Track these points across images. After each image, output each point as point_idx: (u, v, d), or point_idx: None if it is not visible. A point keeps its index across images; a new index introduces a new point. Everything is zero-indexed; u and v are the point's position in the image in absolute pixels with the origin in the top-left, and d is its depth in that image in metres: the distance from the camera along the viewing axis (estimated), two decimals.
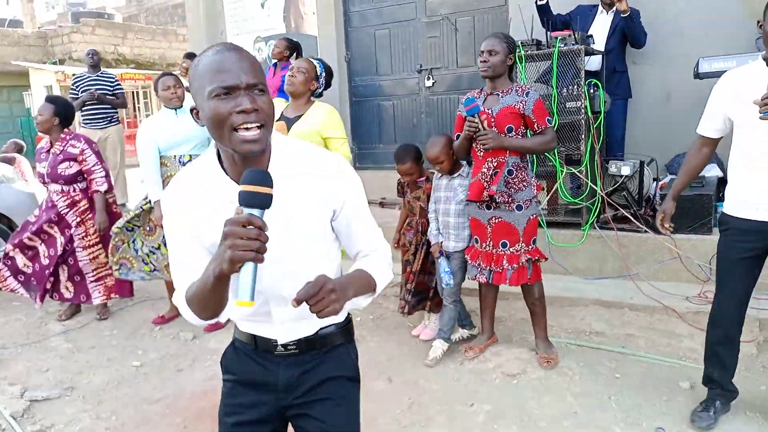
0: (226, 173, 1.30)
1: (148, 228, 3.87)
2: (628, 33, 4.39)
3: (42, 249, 4.07)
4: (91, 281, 4.11)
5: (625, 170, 3.98)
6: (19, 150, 8.48)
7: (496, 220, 3.00)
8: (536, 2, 4.48)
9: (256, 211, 1.10)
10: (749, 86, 2.21)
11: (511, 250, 2.99)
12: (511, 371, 3.06)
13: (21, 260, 4.09)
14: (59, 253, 4.02)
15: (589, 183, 3.96)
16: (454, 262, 3.22)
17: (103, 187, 3.96)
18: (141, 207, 3.83)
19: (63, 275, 4.10)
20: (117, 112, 6.39)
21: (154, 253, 3.89)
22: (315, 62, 3.29)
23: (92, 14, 19.70)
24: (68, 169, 3.91)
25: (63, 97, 4.22)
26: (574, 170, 3.98)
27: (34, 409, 3.03)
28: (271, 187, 1.13)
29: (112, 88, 6.19)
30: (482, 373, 3.10)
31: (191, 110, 1.32)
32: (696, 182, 3.97)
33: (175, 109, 3.76)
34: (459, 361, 3.25)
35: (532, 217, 2.99)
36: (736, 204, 2.37)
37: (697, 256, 3.69)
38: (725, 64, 3.82)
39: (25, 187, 5.50)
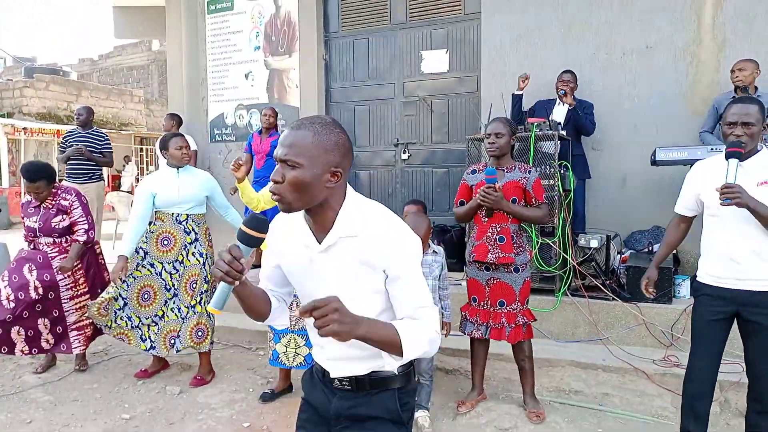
0: (306, 222, 1.53)
1: (145, 297, 3.87)
2: (576, 123, 4.93)
3: (6, 291, 3.88)
4: (72, 330, 4.05)
5: (594, 243, 4.39)
6: None
7: (495, 281, 3.29)
8: (513, 93, 5.00)
9: (243, 247, 1.38)
10: (713, 174, 2.65)
11: (508, 308, 3.27)
12: (503, 426, 3.24)
13: None
14: (31, 299, 3.89)
15: (562, 253, 4.33)
16: None
17: (83, 238, 3.99)
18: (132, 275, 3.84)
19: (44, 330, 3.98)
20: (101, 170, 6.42)
21: (156, 324, 3.89)
22: None
23: (47, 70, 19.53)
24: (62, 222, 3.98)
25: (34, 161, 4.22)
26: (548, 241, 4.34)
27: None
28: (264, 233, 1.39)
29: (100, 146, 6.25)
30: (476, 428, 3.26)
31: None
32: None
33: (177, 168, 3.90)
34: (451, 416, 3.40)
35: (527, 279, 3.31)
36: (706, 273, 2.73)
37: (661, 323, 4.06)
38: (678, 154, 4.38)
39: None
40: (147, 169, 17.24)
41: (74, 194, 4.07)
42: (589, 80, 5.31)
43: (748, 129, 2.50)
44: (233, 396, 3.75)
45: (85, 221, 4.03)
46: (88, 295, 4.08)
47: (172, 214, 3.85)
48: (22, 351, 3.93)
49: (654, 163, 4.50)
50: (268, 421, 3.40)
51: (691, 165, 4.08)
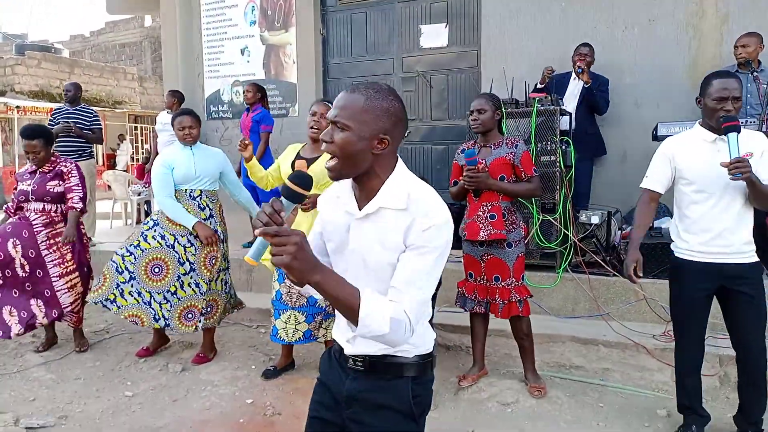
0: (353, 189, 1.52)
1: (156, 270, 3.74)
2: (590, 101, 4.90)
3: None
4: (68, 313, 4.03)
5: (595, 219, 4.38)
6: None
7: (489, 257, 3.31)
8: (536, 85, 4.96)
9: (285, 201, 1.37)
10: (693, 149, 2.64)
11: (502, 284, 3.29)
12: (505, 400, 3.27)
13: None
14: (19, 276, 3.86)
15: (563, 229, 4.32)
16: None
17: (79, 206, 3.98)
18: (140, 246, 3.73)
19: (40, 313, 3.93)
20: (91, 147, 6.33)
21: (168, 301, 3.74)
22: None
23: (38, 47, 19.24)
24: (56, 187, 3.95)
25: (33, 123, 4.21)
26: (549, 217, 4.33)
27: None
28: (308, 190, 1.39)
29: (89, 122, 6.16)
30: (478, 403, 3.29)
31: None
32: (655, 233, 4.42)
33: (191, 146, 3.83)
34: (452, 391, 3.43)
35: (520, 255, 3.33)
36: (689, 250, 2.69)
37: (661, 299, 4.06)
38: (680, 129, 4.33)
39: None
40: (142, 148, 17.08)
41: (74, 164, 4.10)
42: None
43: (737, 103, 2.51)
44: (236, 373, 3.76)
45: (81, 189, 4.02)
46: (77, 273, 4.05)
47: (186, 190, 3.78)
48: (18, 334, 3.89)
49: (656, 138, 4.47)
50: (271, 397, 3.41)
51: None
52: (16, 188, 4.06)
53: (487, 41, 5.66)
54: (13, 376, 3.74)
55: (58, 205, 3.99)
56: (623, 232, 4.76)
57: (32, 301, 3.93)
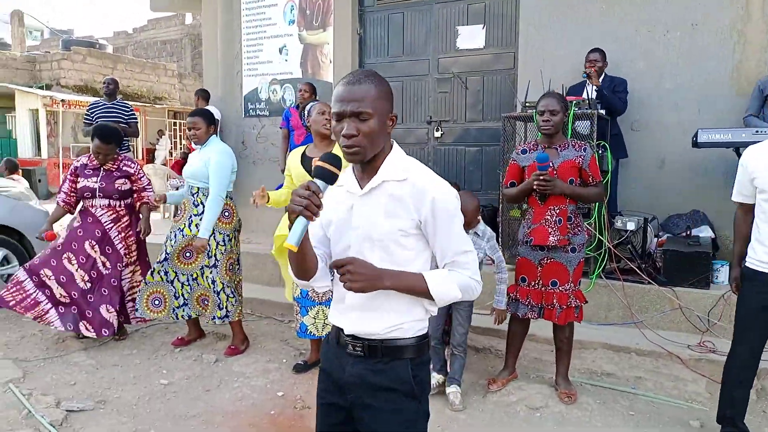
0: (353, 170, 1.63)
1: (186, 255, 3.91)
2: (605, 103, 4.78)
3: (79, 274, 4.04)
4: (128, 301, 4.23)
5: (631, 225, 4.32)
6: (13, 168, 8.48)
7: (548, 261, 3.25)
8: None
9: (320, 183, 1.41)
10: (764, 155, 2.58)
11: (560, 288, 3.23)
12: (534, 405, 3.26)
13: (57, 291, 4.02)
14: (103, 274, 4.08)
15: (597, 235, 4.27)
16: (463, 312, 3.39)
17: (152, 202, 4.18)
18: (175, 237, 3.90)
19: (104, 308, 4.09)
20: (128, 140, 6.51)
21: (188, 284, 3.94)
22: None
23: (84, 43, 19.83)
24: (123, 185, 4.14)
25: (106, 124, 4.35)
26: (584, 222, 4.28)
27: (71, 419, 3.08)
28: (339, 169, 1.45)
29: (126, 116, 6.34)
30: (506, 406, 3.28)
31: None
32: (692, 241, 4.34)
33: (199, 146, 3.95)
34: (481, 394, 3.43)
35: (582, 260, 3.28)
36: (759, 261, 2.65)
37: (697, 308, 4.00)
38: (721, 137, 4.26)
39: (37, 204, 5.55)
40: (180, 143, 17.43)
41: (137, 164, 4.29)
42: (630, 58, 5.18)
43: None
44: (267, 366, 3.83)
45: (151, 188, 4.27)
46: (138, 263, 4.24)
47: (192, 187, 3.93)
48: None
49: (695, 145, 4.38)
50: (301, 391, 3.47)
51: (737, 149, 3.97)
52: (72, 181, 4.16)
53: (525, 43, 5.61)
54: (55, 360, 3.89)
55: (123, 201, 4.17)
56: (660, 239, 4.68)
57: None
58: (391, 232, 1.53)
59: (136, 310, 4.02)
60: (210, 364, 3.88)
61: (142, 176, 4.22)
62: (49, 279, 4.02)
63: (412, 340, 1.58)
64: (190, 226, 3.89)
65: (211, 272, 3.91)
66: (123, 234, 4.16)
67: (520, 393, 3.38)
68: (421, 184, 1.52)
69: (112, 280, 4.10)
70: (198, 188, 3.91)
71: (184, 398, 3.39)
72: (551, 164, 3.17)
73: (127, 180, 4.15)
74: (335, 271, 1.54)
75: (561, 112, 3.20)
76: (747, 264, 2.72)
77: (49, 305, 3.99)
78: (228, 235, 3.92)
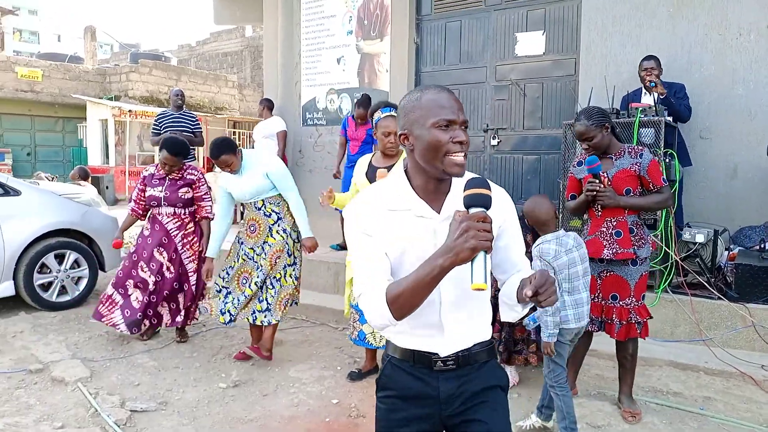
0: (415, 192, 1.52)
1: (243, 281, 3.96)
2: (670, 111, 4.55)
3: (151, 279, 4.26)
4: (190, 305, 4.42)
5: (700, 238, 4.12)
6: (85, 175, 8.89)
7: (608, 274, 3.13)
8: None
9: (474, 210, 1.31)
10: None
11: (620, 303, 3.10)
12: (596, 423, 3.14)
13: (134, 295, 4.29)
14: (167, 278, 4.27)
15: (664, 247, 4.09)
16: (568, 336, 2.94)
17: (211, 215, 4.29)
18: (263, 251, 3.92)
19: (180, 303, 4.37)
20: (194, 149, 6.74)
21: (272, 287, 3.91)
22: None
23: (150, 56, 20.73)
24: (186, 194, 4.29)
25: (179, 139, 4.45)
26: (650, 234, 4.11)
27: (135, 419, 3.18)
28: (489, 189, 1.36)
29: (192, 126, 6.56)
30: None
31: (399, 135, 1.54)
32: (766, 255, 4.10)
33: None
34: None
35: (645, 273, 3.13)
36: None
37: None
38: None
39: (107, 211, 5.80)
40: None
41: (200, 172, 4.43)
42: (699, 63, 4.97)
43: None
44: (322, 372, 3.85)
45: (209, 198, 4.38)
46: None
47: (251, 202, 3.95)
48: (166, 324, 4.36)
49: None
50: (355, 399, 3.47)
51: None
52: (141, 190, 4.34)
53: (587, 49, 5.47)
54: (120, 361, 4.03)
55: (187, 209, 4.33)
56: (731, 253, 4.44)
57: (179, 296, 4.35)
58: None
59: (199, 311, 4.18)
60: (266, 369, 3.93)
61: (202, 185, 4.34)
62: (132, 287, 4.30)
63: (488, 342, 1.64)
64: (272, 234, 3.92)
65: (293, 270, 3.99)
66: (188, 240, 4.31)
67: (581, 410, 3.25)
68: (495, 191, 1.50)
69: (175, 283, 4.27)
70: (263, 201, 3.93)
71: (242, 402, 3.44)
72: (604, 175, 3.06)
73: (189, 189, 4.29)
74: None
75: (598, 132, 3.04)
76: None
77: (128, 312, 4.26)
78: (297, 237, 4.02)
